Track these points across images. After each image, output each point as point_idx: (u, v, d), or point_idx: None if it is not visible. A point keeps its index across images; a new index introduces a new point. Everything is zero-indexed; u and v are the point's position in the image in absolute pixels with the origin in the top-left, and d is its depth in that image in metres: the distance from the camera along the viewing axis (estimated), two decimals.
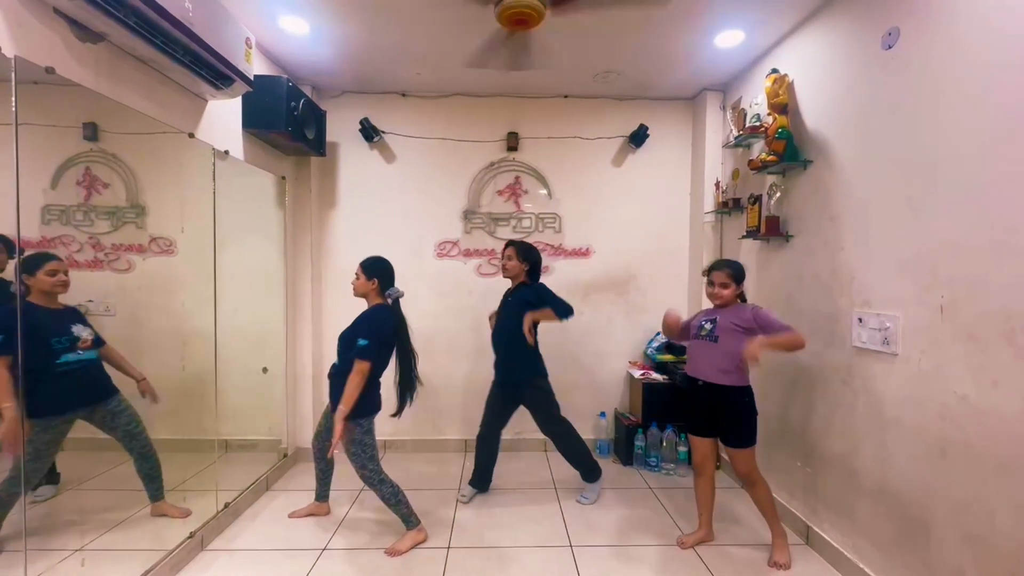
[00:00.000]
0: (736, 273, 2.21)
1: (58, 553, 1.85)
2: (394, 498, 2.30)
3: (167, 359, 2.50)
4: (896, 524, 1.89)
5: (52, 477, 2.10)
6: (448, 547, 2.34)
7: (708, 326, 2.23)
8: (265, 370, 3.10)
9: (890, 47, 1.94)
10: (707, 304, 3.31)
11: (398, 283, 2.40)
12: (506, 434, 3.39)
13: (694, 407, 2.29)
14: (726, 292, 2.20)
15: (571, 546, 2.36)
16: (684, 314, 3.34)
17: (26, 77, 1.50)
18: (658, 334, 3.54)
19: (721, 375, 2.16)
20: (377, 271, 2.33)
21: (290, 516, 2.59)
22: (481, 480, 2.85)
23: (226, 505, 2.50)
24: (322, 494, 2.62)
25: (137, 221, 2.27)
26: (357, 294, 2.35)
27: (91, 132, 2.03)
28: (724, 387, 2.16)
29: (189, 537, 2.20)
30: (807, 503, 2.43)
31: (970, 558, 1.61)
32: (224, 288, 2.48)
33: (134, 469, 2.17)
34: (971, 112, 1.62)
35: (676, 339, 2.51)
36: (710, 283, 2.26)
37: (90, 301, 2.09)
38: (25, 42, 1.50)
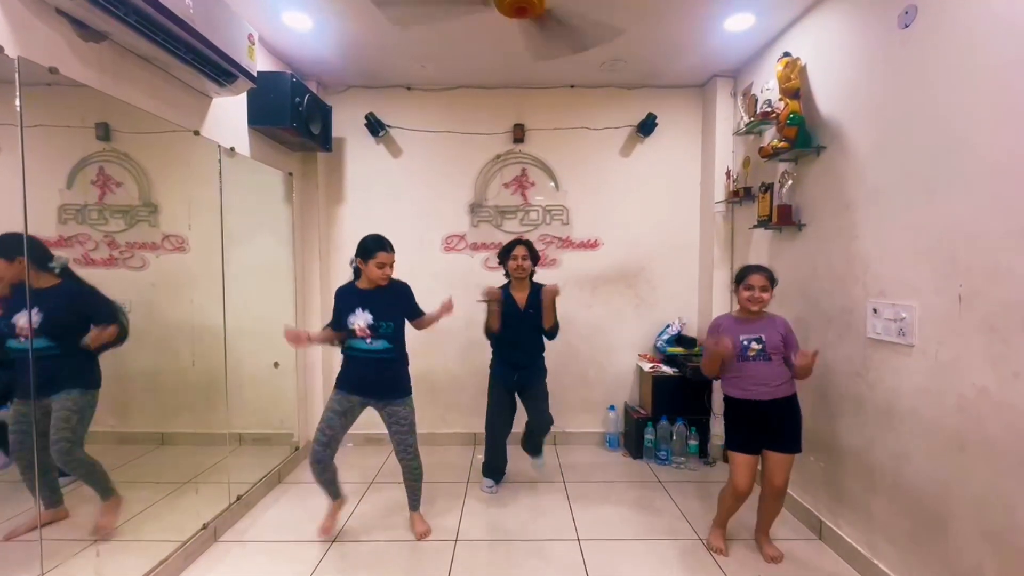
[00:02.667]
0: (773, 277, 2.12)
1: (74, 544, 1.90)
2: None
3: (180, 355, 2.54)
4: (912, 520, 1.84)
5: None
6: (456, 539, 2.35)
7: (757, 346, 2.07)
8: (276, 365, 3.14)
9: (907, 26, 1.86)
10: (720, 301, 3.32)
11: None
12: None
13: (747, 426, 2.11)
14: (767, 296, 2.08)
15: (579, 540, 2.35)
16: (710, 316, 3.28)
17: (30, 78, 1.51)
18: (668, 326, 3.49)
19: (781, 388, 2.08)
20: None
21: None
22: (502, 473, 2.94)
23: (239, 497, 2.55)
24: (337, 493, 2.43)
25: (150, 219, 2.31)
26: (387, 282, 2.26)
27: (103, 132, 2.06)
28: (786, 398, 2.09)
29: (202, 528, 2.25)
30: (820, 498, 2.38)
31: (989, 554, 1.56)
32: (234, 284, 2.51)
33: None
34: (993, 92, 1.55)
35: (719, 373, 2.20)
36: (749, 287, 2.08)
37: None
38: (28, 42, 1.52)
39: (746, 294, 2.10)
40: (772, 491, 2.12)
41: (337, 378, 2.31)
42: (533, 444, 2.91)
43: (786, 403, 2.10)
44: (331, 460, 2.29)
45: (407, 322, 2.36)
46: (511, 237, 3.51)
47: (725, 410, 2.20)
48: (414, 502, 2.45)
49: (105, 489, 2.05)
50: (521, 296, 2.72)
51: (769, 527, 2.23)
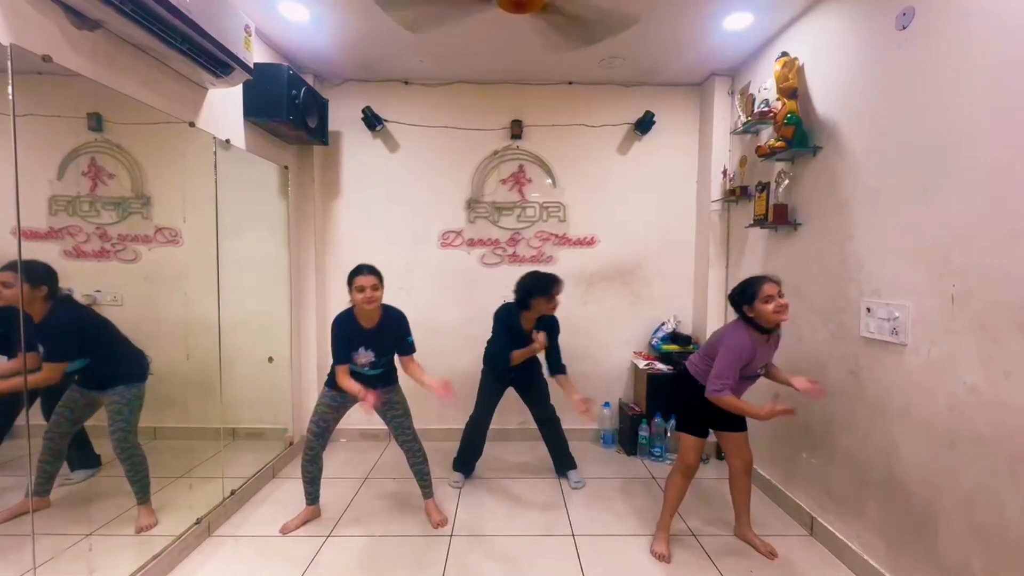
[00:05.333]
0: (779, 281, 2.02)
1: (66, 538, 1.88)
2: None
3: (173, 348, 2.52)
4: (903, 516, 1.87)
5: (91, 460, 2.18)
6: (451, 534, 2.35)
7: (762, 371, 2.15)
8: (271, 359, 3.12)
9: (905, 27, 1.87)
10: (715, 299, 3.31)
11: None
12: (510, 423, 3.43)
13: (705, 412, 2.12)
14: (786, 300, 1.97)
15: (573, 535, 2.36)
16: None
17: (23, 66, 1.49)
18: (663, 324, 3.51)
19: None
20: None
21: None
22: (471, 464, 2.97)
23: (232, 492, 2.53)
24: (315, 497, 2.46)
25: (143, 211, 2.28)
26: (374, 308, 2.20)
27: (95, 122, 2.02)
28: None
29: (196, 523, 2.23)
30: (812, 495, 2.41)
31: (978, 550, 1.58)
32: (228, 278, 2.49)
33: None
34: (990, 94, 1.56)
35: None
36: (768, 298, 1.92)
37: (98, 291, 2.11)
38: (21, 30, 1.49)
39: (770, 307, 1.91)
40: (744, 466, 2.22)
41: (328, 378, 2.36)
42: (563, 457, 2.91)
43: None
44: (322, 452, 2.38)
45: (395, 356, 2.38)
46: (508, 233, 3.54)
47: (686, 394, 2.17)
48: (426, 489, 2.50)
49: (143, 492, 2.15)
50: (528, 325, 2.76)
51: (748, 512, 2.27)
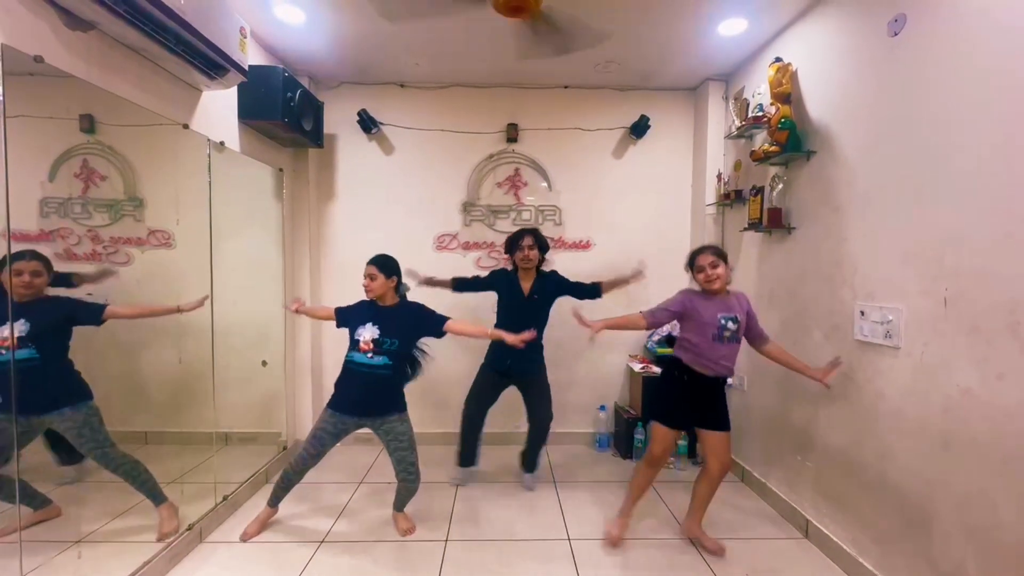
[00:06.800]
0: (721, 252, 2.15)
1: (55, 545, 1.85)
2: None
3: (166, 352, 2.50)
4: (897, 518, 1.88)
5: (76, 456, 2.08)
6: (446, 539, 2.34)
7: (733, 326, 2.09)
8: (264, 363, 3.10)
9: (896, 33, 1.90)
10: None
11: None
12: (505, 427, 3.41)
13: (683, 399, 2.15)
14: (722, 271, 2.10)
15: (569, 539, 2.35)
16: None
17: (15, 67, 1.47)
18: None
19: (731, 368, 2.15)
20: (395, 269, 2.29)
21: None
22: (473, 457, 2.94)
23: (225, 498, 2.50)
24: (279, 500, 2.40)
25: (135, 214, 2.26)
26: (374, 296, 2.26)
27: (88, 124, 2.01)
28: (725, 376, 2.16)
29: (188, 529, 2.20)
30: (807, 497, 2.41)
31: (972, 551, 1.59)
32: (222, 281, 2.47)
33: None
34: (980, 99, 1.58)
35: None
36: (699, 269, 2.12)
37: (89, 295, 2.08)
38: (12, 30, 1.48)
39: (700, 276, 2.13)
40: (721, 469, 2.17)
41: (332, 398, 2.29)
42: (532, 456, 2.88)
43: (723, 381, 2.17)
44: (311, 469, 2.32)
45: (435, 338, 2.33)
46: (503, 237, 3.51)
47: (664, 378, 2.24)
48: (400, 505, 2.46)
49: (154, 494, 2.11)
50: (526, 284, 2.72)
51: (704, 511, 2.26)
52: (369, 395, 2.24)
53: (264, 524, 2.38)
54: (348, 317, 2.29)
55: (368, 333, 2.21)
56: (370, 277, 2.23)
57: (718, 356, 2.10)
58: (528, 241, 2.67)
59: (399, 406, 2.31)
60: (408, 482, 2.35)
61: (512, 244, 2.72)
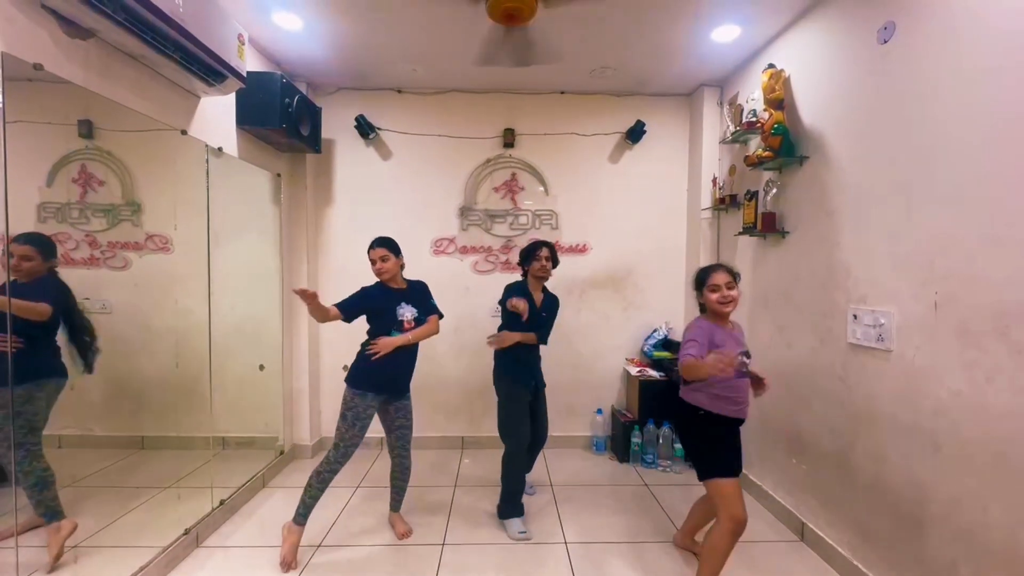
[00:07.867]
0: (735, 272, 1.90)
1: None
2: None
3: (163, 356, 2.50)
4: (890, 519, 1.89)
5: None
6: (443, 543, 2.34)
7: (747, 360, 1.87)
8: (262, 367, 3.10)
9: (886, 41, 1.93)
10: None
11: None
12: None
13: (733, 448, 1.90)
14: (736, 294, 1.85)
15: (566, 543, 2.36)
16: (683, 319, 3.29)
17: (14, 74, 1.49)
18: (655, 331, 3.53)
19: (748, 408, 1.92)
20: (399, 249, 2.35)
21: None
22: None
23: (222, 502, 2.50)
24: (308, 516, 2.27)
25: (133, 219, 2.27)
26: (388, 276, 2.30)
27: (86, 129, 2.02)
28: (743, 420, 1.93)
29: (184, 534, 2.21)
30: (802, 500, 2.42)
31: (963, 552, 1.60)
32: (220, 285, 2.48)
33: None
34: (968, 105, 1.61)
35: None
36: (714, 288, 1.85)
37: (86, 299, 2.09)
38: (12, 38, 1.50)
39: (714, 296, 1.85)
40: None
41: (361, 380, 2.23)
42: (530, 462, 2.80)
43: (741, 423, 1.93)
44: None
45: None
46: (501, 241, 3.56)
47: (703, 431, 1.89)
48: (397, 503, 2.47)
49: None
50: (537, 297, 2.72)
51: (699, 530, 2.16)
52: (405, 372, 2.35)
53: (298, 546, 2.22)
54: (364, 303, 2.28)
55: (409, 312, 2.32)
56: (382, 259, 2.28)
57: (737, 394, 1.85)
58: (546, 252, 2.64)
59: (412, 363, 2.43)
60: (403, 458, 2.42)
61: (528, 254, 2.65)
